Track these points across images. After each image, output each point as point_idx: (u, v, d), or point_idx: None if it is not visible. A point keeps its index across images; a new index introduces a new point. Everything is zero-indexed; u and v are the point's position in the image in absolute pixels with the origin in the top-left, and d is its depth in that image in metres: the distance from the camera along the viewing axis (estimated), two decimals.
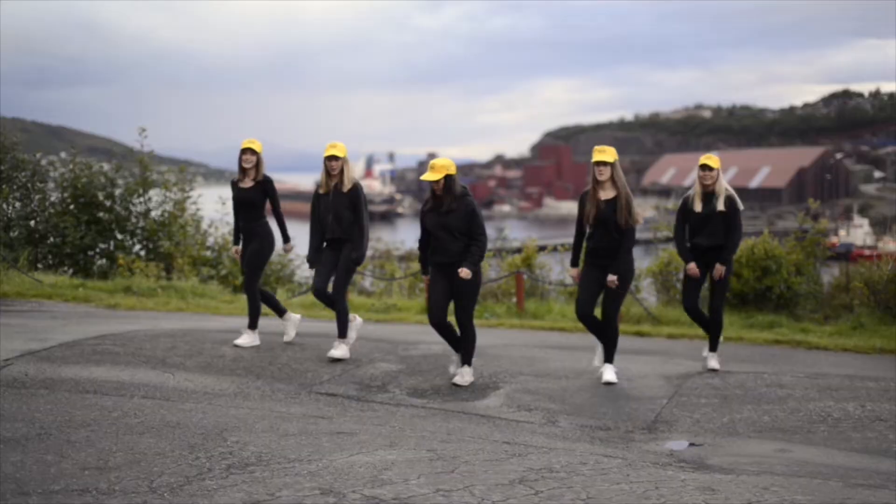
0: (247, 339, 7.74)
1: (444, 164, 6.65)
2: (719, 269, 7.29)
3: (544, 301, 12.94)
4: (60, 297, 11.23)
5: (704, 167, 7.30)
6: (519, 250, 15.05)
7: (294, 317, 8.09)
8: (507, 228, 18.49)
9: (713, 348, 7.63)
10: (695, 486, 3.90)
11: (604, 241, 6.78)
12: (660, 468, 4.39)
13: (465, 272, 6.49)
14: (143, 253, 14.89)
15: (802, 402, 6.44)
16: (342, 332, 7.46)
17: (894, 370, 7.87)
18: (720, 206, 7.24)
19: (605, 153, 6.74)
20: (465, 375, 6.79)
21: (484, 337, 9.47)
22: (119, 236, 14.81)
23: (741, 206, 7.39)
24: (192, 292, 12.23)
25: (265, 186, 7.63)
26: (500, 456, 4.46)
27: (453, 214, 6.60)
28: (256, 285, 7.79)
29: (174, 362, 6.97)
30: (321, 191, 7.40)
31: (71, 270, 14.32)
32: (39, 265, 14.19)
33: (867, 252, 33.79)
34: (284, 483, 3.82)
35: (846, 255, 27.50)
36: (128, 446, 4.39)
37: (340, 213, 7.28)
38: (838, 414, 6.13)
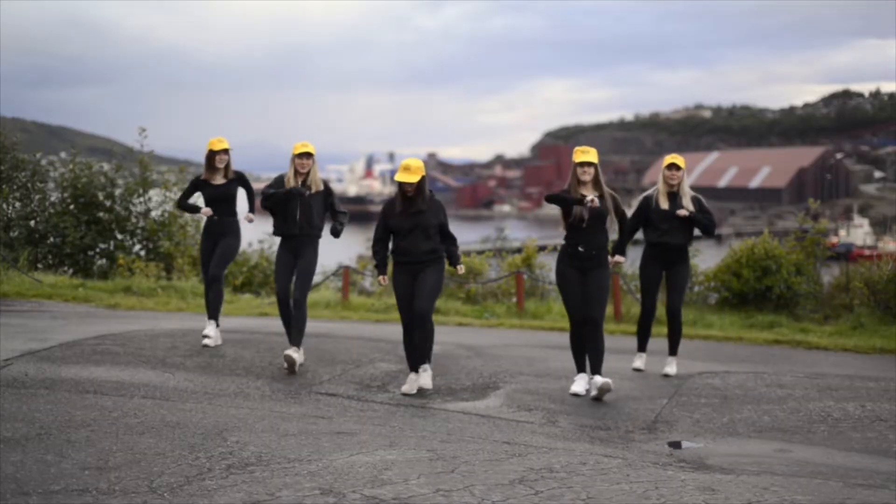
0: (214, 330, 7.73)
1: (419, 165, 6.58)
2: (683, 212, 7.19)
3: (544, 301, 12.95)
4: (60, 297, 11.23)
5: (672, 166, 7.27)
6: (519, 250, 15.07)
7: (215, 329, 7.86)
8: (507, 228, 18.54)
9: (673, 351, 7.49)
10: (695, 486, 3.90)
11: (593, 242, 6.63)
12: (660, 468, 4.39)
13: (462, 268, 6.70)
14: (143, 253, 14.90)
15: (802, 402, 6.44)
16: (298, 340, 7.14)
17: (894, 370, 7.87)
18: (689, 206, 7.22)
19: (589, 154, 6.62)
20: (415, 382, 6.57)
21: (484, 337, 9.47)
22: (119, 236, 14.83)
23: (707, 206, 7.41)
24: (192, 292, 12.24)
25: (242, 182, 7.91)
26: (500, 456, 4.46)
27: (425, 214, 6.55)
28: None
29: (174, 362, 6.97)
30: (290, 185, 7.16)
31: (71, 270, 14.33)
32: (39, 265, 14.19)
33: (867, 252, 33.83)
34: (284, 483, 3.82)
35: (846, 255, 27.52)
36: (128, 446, 4.39)
37: (311, 213, 7.14)
38: (838, 414, 6.13)
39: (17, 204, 14.65)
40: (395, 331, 8.84)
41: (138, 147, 15.47)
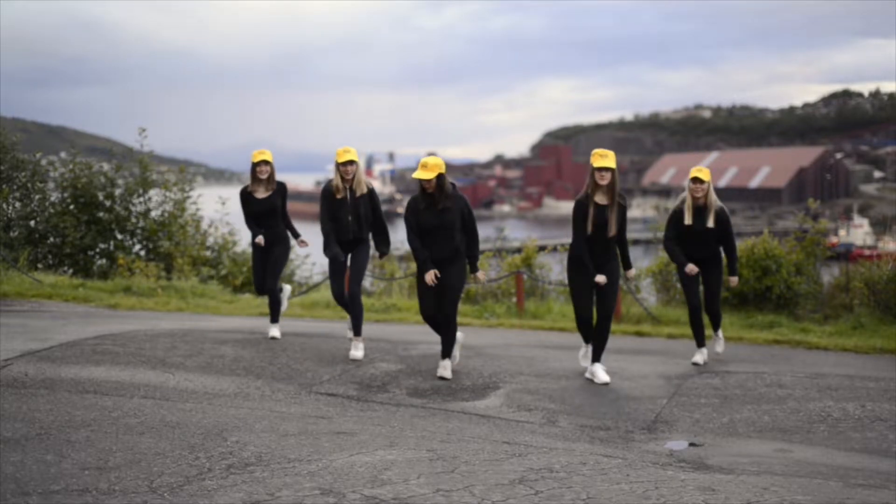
0: (277, 330, 8.20)
1: (437, 162, 6.71)
2: (734, 280, 7.77)
3: (544, 301, 12.94)
4: (60, 297, 11.23)
5: (696, 180, 7.35)
6: (519, 250, 15.05)
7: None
8: (507, 228, 18.52)
9: (716, 330, 8.02)
10: (695, 486, 3.90)
11: (599, 246, 6.80)
12: (660, 468, 4.39)
13: (482, 275, 6.95)
14: (143, 253, 14.89)
15: (802, 402, 6.44)
16: (359, 331, 7.64)
17: (894, 370, 7.87)
18: (710, 222, 7.35)
19: (608, 158, 6.70)
20: (447, 368, 6.94)
21: (484, 337, 9.47)
22: (119, 236, 14.82)
23: (730, 216, 7.58)
24: (192, 292, 12.24)
25: (281, 194, 8.04)
26: (500, 456, 4.46)
27: (449, 212, 6.65)
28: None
29: (174, 362, 6.97)
30: (338, 196, 7.42)
31: (71, 270, 14.33)
32: (39, 265, 14.19)
33: (867, 252, 33.81)
34: (284, 483, 3.82)
35: (846, 255, 27.52)
36: (128, 446, 4.39)
37: (360, 215, 7.43)
38: (838, 414, 6.13)
39: (17, 204, 14.63)
40: (396, 331, 8.86)
41: (138, 147, 15.47)
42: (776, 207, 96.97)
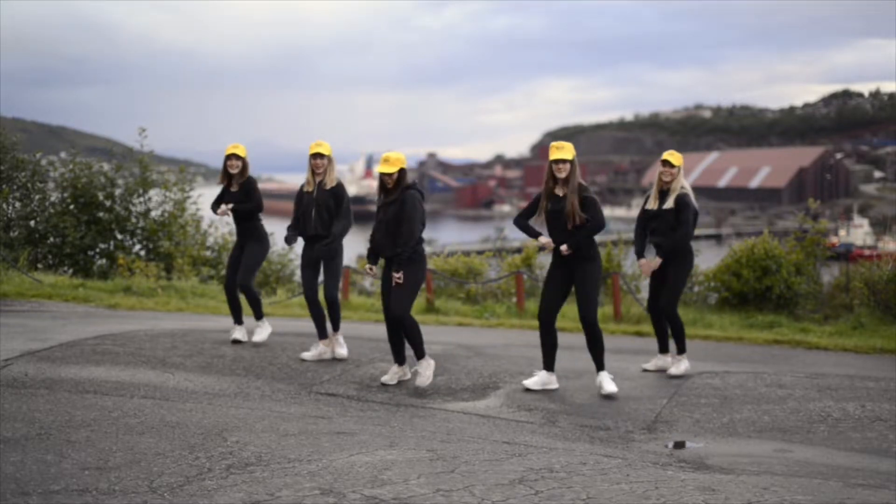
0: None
1: (399, 157, 6.55)
2: (656, 262, 7.16)
3: None
4: (60, 297, 11.23)
5: (665, 163, 7.16)
6: (519, 250, 15.07)
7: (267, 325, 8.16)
8: (507, 228, 18.50)
9: (681, 349, 7.34)
10: (695, 486, 3.90)
11: (554, 235, 6.60)
12: (660, 468, 4.39)
13: (399, 277, 6.47)
14: (143, 253, 14.90)
15: (802, 402, 6.44)
16: (337, 326, 7.59)
17: (894, 370, 7.87)
18: (669, 203, 7.11)
19: (564, 149, 6.48)
20: (427, 369, 6.64)
21: (484, 337, 9.47)
22: (119, 236, 14.83)
23: (695, 206, 7.17)
24: (192, 292, 12.24)
25: (248, 188, 7.81)
26: (500, 456, 4.46)
27: (392, 207, 6.51)
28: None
29: (174, 362, 6.97)
30: (307, 189, 7.39)
31: (71, 270, 14.33)
32: (39, 265, 14.20)
33: (867, 252, 33.81)
34: (284, 483, 3.82)
35: (846, 255, 27.51)
36: (128, 446, 4.39)
37: (322, 211, 7.29)
38: (838, 414, 6.13)
39: (17, 204, 14.65)
40: None
41: (138, 147, 15.48)
42: (776, 207, 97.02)
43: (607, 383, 6.61)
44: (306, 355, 7.40)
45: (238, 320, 8.02)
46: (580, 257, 6.54)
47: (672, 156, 7.21)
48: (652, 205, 7.26)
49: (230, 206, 7.75)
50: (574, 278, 6.62)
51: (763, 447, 5.34)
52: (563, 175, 6.45)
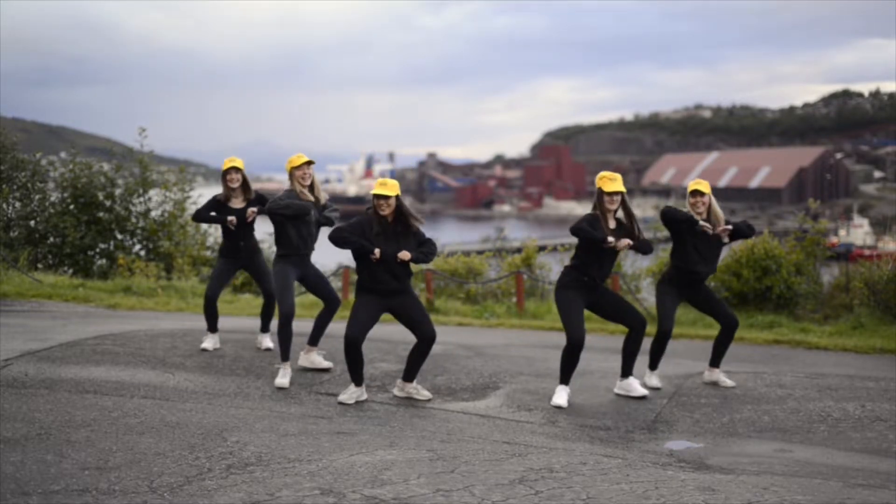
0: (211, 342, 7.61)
1: (395, 184, 6.09)
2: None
3: (544, 301, 12.95)
4: (60, 297, 11.23)
5: (696, 193, 6.76)
6: (519, 250, 15.07)
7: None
8: (507, 228, 18.54)
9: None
10: (695, 486, 3.90)
11: (605, 269, 6.41)
12: (660, 468, 4.39)
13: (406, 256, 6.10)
14: (143, 253, 14.90)
15: (802, 402, 6.44)
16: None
17: (894, 370, 7.87)
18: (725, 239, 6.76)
19: (617, 182, 6.29)
20: (420, 390, 6.38)
21: (484, 337, 9.47)
22: (119, 236, 14.84)
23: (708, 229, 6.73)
24: (192, 292, 12.23)
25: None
26: (500, 456, 4.46)
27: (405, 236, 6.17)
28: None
29: (174, 362, 6.97)
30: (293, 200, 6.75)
31: (71, 270, 14.33)
32: (39, 265, 14.20)
33: (867, 252, 33.82)
34: (284, 483, 3.82)
35: (846, 255, 27.52)
36: (128, 446, 4.39)
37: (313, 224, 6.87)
38: (838, 414, 6.13)
39: (17, 204, 14.65)
40: (396, 331, 8.84)
41: (138, 147, 15.48)
42: (776, 207, 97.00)
43: (637, 386, 6.63)
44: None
45: (213, 328, 7.61)
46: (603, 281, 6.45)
47: (699, 184, 6.80)
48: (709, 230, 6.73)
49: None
50: (603, 299, 6.49)
51: (763, 447, 5.34)
52: (614, 207, 6.32)
